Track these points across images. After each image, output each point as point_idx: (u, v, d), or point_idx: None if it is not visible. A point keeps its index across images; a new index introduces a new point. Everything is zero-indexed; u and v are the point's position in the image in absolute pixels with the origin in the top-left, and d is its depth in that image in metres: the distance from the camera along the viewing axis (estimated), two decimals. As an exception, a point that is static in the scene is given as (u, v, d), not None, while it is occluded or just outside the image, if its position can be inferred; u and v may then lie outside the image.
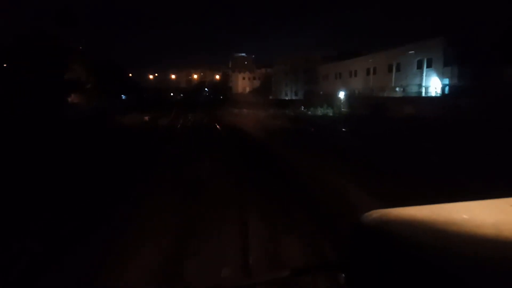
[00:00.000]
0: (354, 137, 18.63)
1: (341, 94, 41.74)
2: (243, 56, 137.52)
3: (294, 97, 63.25)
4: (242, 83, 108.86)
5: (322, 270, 0.99)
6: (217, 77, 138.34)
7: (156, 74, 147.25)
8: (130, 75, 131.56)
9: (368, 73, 41.65)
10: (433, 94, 30.14)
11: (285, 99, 62.22)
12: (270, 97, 70.11)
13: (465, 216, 0.72)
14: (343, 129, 22.41)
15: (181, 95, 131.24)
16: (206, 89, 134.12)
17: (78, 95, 37.83)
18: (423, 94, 31.08)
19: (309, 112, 39.88)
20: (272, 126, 23.59)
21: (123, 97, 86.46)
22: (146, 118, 33.03)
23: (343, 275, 0.77)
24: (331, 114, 37.39)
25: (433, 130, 20.96)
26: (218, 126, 24.00)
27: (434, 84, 30.47)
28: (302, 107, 43.41)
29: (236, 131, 20.80)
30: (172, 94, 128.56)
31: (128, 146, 14.86)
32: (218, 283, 3.37)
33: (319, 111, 39.26)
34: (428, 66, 31.33)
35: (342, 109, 39.90)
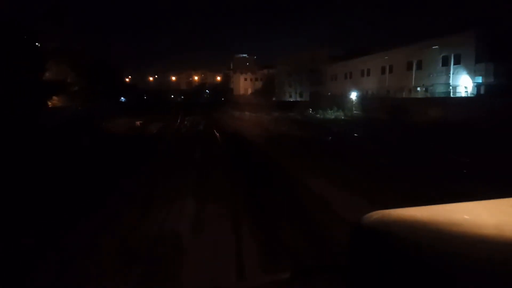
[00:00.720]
0: (384, 149, 14.71)
1: (353, 95, 37.82)
2: (244, 57, 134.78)
3: (298, 99, 59.37)
4: (244, 85, 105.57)
5: (322, 272, 0.95)
6: (218, 78, 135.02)
7: (156, 76, 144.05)
8: (130, 77, 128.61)
9: (383, 71, 37.67)
10: (463, 94, 26.18)
11: (289, 101, 58.28)
12: (273, 99, 66.39)
13: (466, 217, 0.71)
14: (366, 139, 18.47)
15: (182, 97, 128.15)
16: (207, 90, 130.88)
17: (64, 98, 34.07)
18: (451, 95, 27.08)
19: (318, 115, 35.98)
20: (280, 135, 19.67)
21: (123, 99, 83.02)
22: (138, 123, 29.25)
23: (344, 276, 0.75)
24: (342, 117, 33.49)
25: (469, 136, 17.10)
26: (216, 135, 20.13)
27: (464, 83, 26.49)
28: (310, 109, 39.49)
29: (238, 141, 16.90)
30: (172, 96, 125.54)
31: (91, 166, 11.00)
32: (218, 285, 3.12)
33: (329, 114, 35.32)
34: (456, 63, 27.36)
35: (354, 112, 35.98)
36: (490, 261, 0.53)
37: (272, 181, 8.74)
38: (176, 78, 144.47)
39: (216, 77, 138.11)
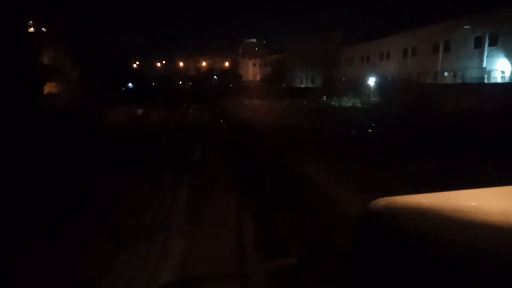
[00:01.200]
0: (428, 151, 12.14)
1: (371, 81, 34.84)
2: (253, 42, 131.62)
3: (310, 85, 56.39)
4: (253, 70, 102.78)
5: (328, 258, 0.97)
6: (226, 64, 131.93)
7: (164, 62, 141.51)
8: (137, 63, 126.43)
9: (405, 54, 34.45)
10: (499, 80, 23.20)
11: (301, 87, 55.35)
12: (284, 85, 63.61)
13: (473, 204, 0.70)
14: (397, 134, 15.88)
15: (190, 83, 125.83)
16: (215, 76, 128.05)
17: (63, 85, 31.99)
18: (485, 80, 24.08)
19: (333, 103, 33.23)
20: (295, 127, 17.21)
21: (130, 86, 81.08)
22: (140, 112, 27.12)
23: (350, 262, 0.76)
24: (359, 105, 30.74)
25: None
26: (223, 125, 17.84)
27: (501, 67, 23.46)
28: (324, 96, 36.67)
29: (248, 134, 14.54)
30: (180, 82, 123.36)
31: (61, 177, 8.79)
32: (224, 272, 2.97)
33: (345, 102, 32.53)
34: (492, 44, 24.24)
35: (372, 99, 33.10)
36: (497, 248, 0.53)
37: (296, 207, 6.32)
38: (184, 64, 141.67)
39: (224, 63, 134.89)
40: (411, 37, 32.94)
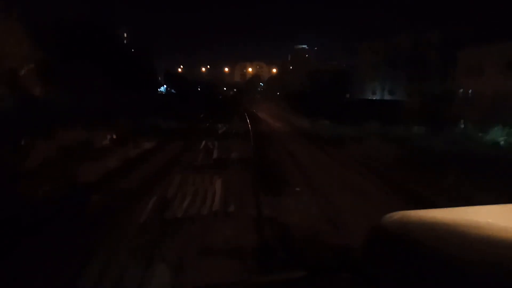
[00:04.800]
0: None
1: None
2: (304, 48, 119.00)
3: (387, 97, 41.34)
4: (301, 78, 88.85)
5: (339, 271, 0.93)
6: (274, 71, 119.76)
7: (209, 67, 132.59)
8: (182, 67, 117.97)
9: None
10: None
11: (372, 99, 40.25)
12: (347, 95, 48.90)
13: (489, 220, 0.67)
14: None
15: (234, 89, 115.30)
16: (261, 83, 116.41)
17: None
18: None
19: (484, 136, 17.87)
20: None
21: (162, 89, 70.29)
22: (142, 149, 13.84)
23: (360, 277, 0.73)
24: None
25: None
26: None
27: None
28: (462, 124, 20.95)
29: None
30: (225, 88, 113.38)
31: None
32: (231, 281, 2.86)
33: (495, 135, 17.22)
34: None
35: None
36: None
37: None
38: (229, 70, 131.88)
39: (272, 70, 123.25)
40: None
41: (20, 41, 15.89)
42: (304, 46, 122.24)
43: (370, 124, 17.96)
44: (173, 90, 69.31)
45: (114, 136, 13.27)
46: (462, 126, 19.93)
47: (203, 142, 13.13)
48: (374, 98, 42.15)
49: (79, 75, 20.07)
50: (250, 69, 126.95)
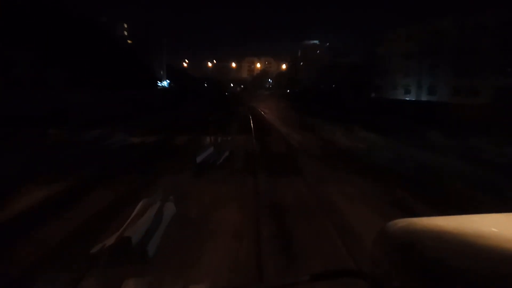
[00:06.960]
0: None
1: None
2: (314, 43, 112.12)
3: (424, 97, 35.24)
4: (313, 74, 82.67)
5: (342, 277, 0.91)
6: (283, 66, 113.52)
7: (215, 61, 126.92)
8: (187, 61, 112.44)
9: None
10: None
11: (406, 100, 34.02)
12: (372, 95, 42.90)
13: (494, 229, 0.66)
14: None
15: (241, 86, 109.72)
16: (269, 80, 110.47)
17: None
18: None
19: None
20: None
21: (165, 84, 64.56)
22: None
23: (364, 283, 0.73)
24: None
25: None
26: None
27: None
28: None
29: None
30: (232, 85, 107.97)
31: None
32: (237, 286, 2.96)
33: None
34: None
35: None
36: None
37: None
38: (236, 65, 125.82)
39: (281, 66, 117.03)
40: None
41: None
42: (315, 41, 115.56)
43: (431, 136, 12.08)
44: (165, 84, 63.44)
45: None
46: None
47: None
48: (407, 99, 35.80)
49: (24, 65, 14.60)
50: (258, 65, 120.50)
